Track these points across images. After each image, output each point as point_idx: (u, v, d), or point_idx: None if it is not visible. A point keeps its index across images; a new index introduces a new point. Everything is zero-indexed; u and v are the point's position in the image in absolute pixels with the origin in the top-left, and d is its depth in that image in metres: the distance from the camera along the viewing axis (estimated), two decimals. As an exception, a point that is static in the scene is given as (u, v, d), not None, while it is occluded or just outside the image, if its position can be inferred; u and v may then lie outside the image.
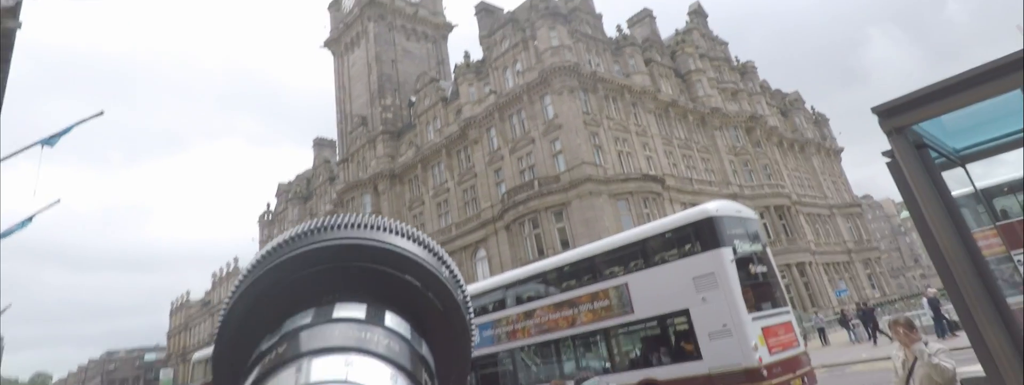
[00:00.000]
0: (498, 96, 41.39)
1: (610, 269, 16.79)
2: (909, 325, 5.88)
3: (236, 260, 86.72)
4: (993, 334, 2.89)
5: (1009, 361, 2.81)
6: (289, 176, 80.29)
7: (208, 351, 30.84)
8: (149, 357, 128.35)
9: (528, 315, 18.48)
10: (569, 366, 17.04)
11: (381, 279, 0.48)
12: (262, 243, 70.57)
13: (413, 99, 51.05)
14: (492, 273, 35.72)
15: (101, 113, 17.29)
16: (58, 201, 17.99)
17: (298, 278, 0.47)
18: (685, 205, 40.29)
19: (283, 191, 70.44)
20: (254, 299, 0.47)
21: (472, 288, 19.89)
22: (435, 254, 0.53)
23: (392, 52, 54.64)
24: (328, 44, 60.95)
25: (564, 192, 35.00)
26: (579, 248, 19.89)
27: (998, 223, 7.88)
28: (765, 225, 44.75)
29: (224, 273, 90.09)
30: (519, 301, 19.14)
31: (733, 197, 44.40)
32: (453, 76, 47.98)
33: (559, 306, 17.59)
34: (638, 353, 15.85)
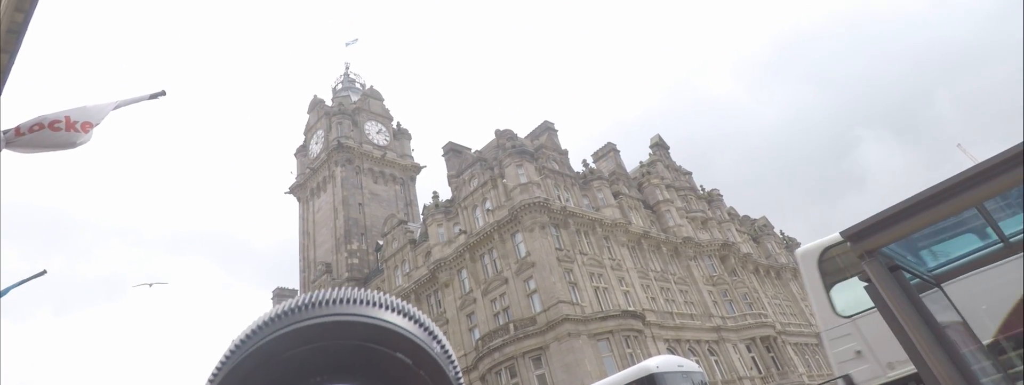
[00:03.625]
0: (468, 236, 40.55)
1: None
2: None
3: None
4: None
5: None
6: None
7: None
8: None
9: None
10: None
11: (371, 357, 0.47)
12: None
13: (380, 243, 49.98)
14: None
15: (44, 272, 15.78)
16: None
17: (284, 359, 0.46)
18: (668, 342, 38.44)
19: (239, 349, 66.30)
20: (238, 382, 0.45)
21: None
22: (426, 329, 0.51)
23: (359, 195, 54.42)
24: (293, 190, 60.80)
25: (541, 335, 33.12)
26: None
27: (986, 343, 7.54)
28: (754, 359, 42.74)
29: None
30: None
31: (716, 330, 42.77)
32: (422, 217, 47.42)
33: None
34: None
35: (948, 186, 3.25)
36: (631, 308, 37.29)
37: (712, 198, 58.47)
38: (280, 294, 63.67)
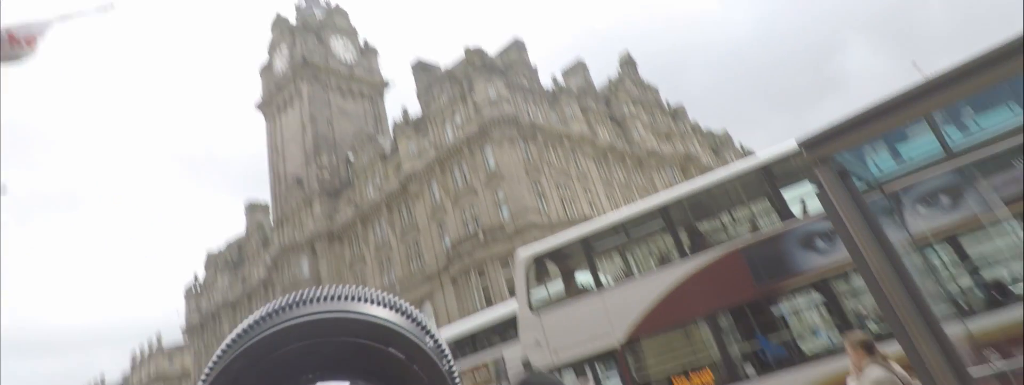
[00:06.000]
0: (438, 150, 41.06)
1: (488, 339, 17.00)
2: (866, 344, 4.82)
3: (159, 337, 79.44)
4: (926, 348, 3.06)
5: (943, 371, 2.98)
6: (219, 244, 75.64)
7: None
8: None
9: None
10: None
11: (363, 353, 0.46)
12: (188, 316, 66.60)
13: (351, 157, 50.09)
14: (440, 326, 34.59)
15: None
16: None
17: (276, 357, 0.44)
18: (632, 249, 40.39)
19: (212, 261, 66.68)
20: (230, 382, 0.44)
21: None
22: (418, 323, 0.50)
23: (327, 112, 53.85)
24: (260, 107, 59.61)
25: (509, 241, 34.56)
26: (457, 324, 19.89)
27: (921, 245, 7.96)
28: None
29: (146, 353, 79.45)
30: None
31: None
32: (392, 133, 47.46)
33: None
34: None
35: (898, 97, 3.42)
36: (595, 215, 38.85)
37: (677, 113, 59.45)
38: (252, 207, 63.50)
